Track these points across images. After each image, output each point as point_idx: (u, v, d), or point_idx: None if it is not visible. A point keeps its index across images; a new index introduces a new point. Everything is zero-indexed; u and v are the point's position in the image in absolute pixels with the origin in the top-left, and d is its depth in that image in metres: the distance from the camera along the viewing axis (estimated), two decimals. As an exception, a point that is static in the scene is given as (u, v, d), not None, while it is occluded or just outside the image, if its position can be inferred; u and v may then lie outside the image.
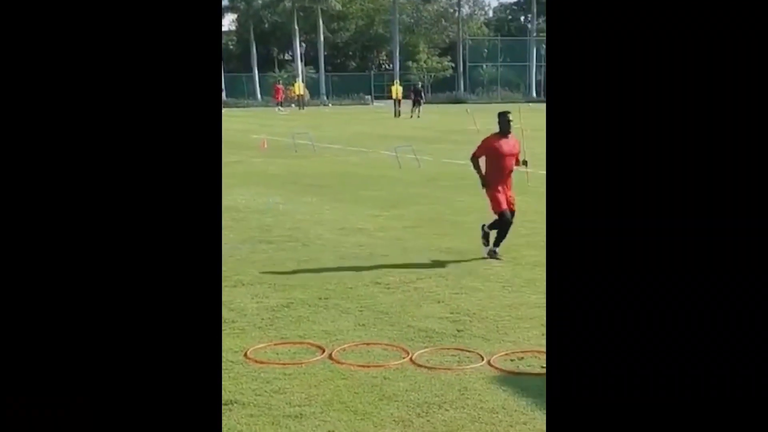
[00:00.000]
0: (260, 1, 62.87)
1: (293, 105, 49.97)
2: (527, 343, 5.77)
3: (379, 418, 4.51)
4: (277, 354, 5.65)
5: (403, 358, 5.48)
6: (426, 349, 5.64)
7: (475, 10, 76.49)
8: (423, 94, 41.81)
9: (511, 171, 8.69)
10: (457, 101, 55.19)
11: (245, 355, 5.58)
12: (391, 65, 67.84)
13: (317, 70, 64.01)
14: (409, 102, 40.14)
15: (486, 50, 69.25)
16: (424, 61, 66.77)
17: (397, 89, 41.79)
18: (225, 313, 6.53)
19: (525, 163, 8.96)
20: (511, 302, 6.82)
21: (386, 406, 4.68)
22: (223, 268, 8.20)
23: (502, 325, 6.19)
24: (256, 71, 62.53)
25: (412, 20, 70.35)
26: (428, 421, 4.47)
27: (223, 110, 42.99)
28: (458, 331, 6.09)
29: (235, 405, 4.70)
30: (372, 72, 67.57)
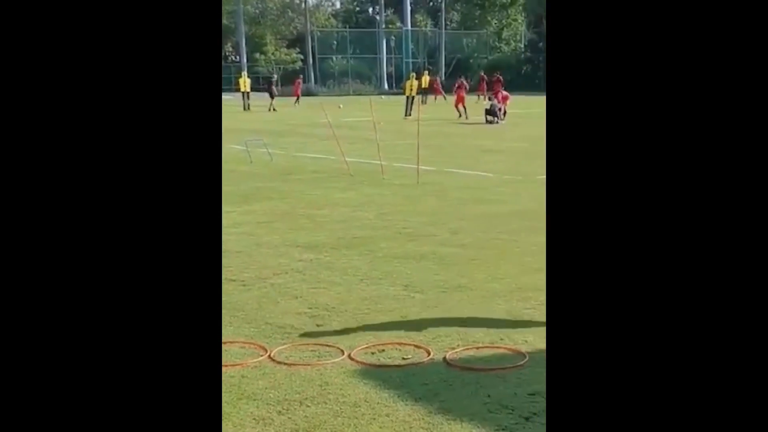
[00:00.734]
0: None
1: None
2: (387, 335, 5.81)
3: (239, 418, 4.43)
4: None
5: (261, 355, 5.40)
6: (285, 346, 5.58)
7: (322, 2, 76.57)
8: (274, 89, 41.53)
9: None
10: (308, 94, 55.11)
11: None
12: (237, 57, 66.93)
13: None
14: (258, 94, 39.78)
15: (335, 42, 69.48)
16: (272, 53, 66.26)
17: (245, 82, 41.27)
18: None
19: None
20: (370, 295, 6.85)
21: (245, 405, 4.60)
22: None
23: (361, 318, 6.21)
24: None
25: (258, 11, 69.65)
26: (289, 418, 4.42)
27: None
28: (317, 326, 6.06)
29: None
30: (219, 64, 66.47)
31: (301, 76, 52.40)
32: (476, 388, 4.80)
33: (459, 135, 23.83)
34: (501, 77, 36.16)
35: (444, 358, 5.28)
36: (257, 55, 65.60)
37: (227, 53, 71.48)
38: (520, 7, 67.72)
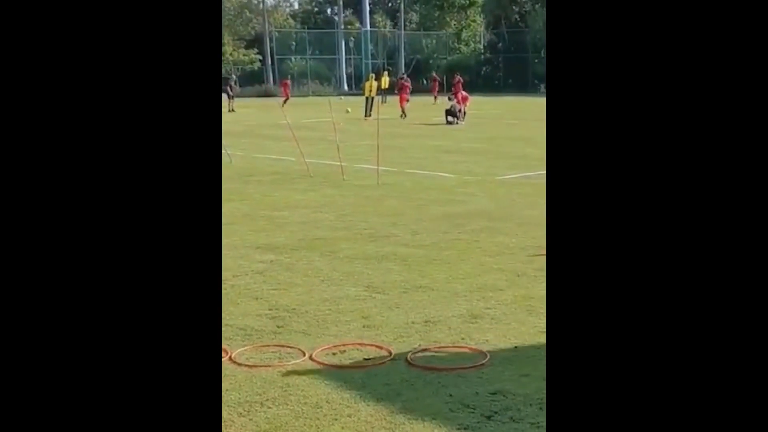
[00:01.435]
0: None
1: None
2: (348, 336, 5.81)
3: (201, 422, 4.39)
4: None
5: (222, 357, 5.37)
6: (245, 347, 5.55)
7: (280, 2, 76.27)
8: (234, 88, 41.19)
9: None
10: (267, 95, 54.85)
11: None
12: (196, 58, 66.21)
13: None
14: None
15: (294, 43, 69.24)
16: (230, 54, 65.87)
17: None
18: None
19: None
20: (331, 296, 6.84)
21: (207, 408, 4.57)
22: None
23: (322, 320, 6.20)
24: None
25: (217, 11, 69.27)
26: (251, 420, 4.41)
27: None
28: (278, 327, 6.04)
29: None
30: (177, 65, 65.87)
31: (289, 76, 51.82)
32: (438, 387, 4.82)
33: (419, 136, 23.90)
34: (460, 78, 36.28)
35: (406, 359, 5.30)
36: (215, 55, 65.17)
37: (185, 54, 70.82)
38: (479, 9, 68.10)
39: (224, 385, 4.87)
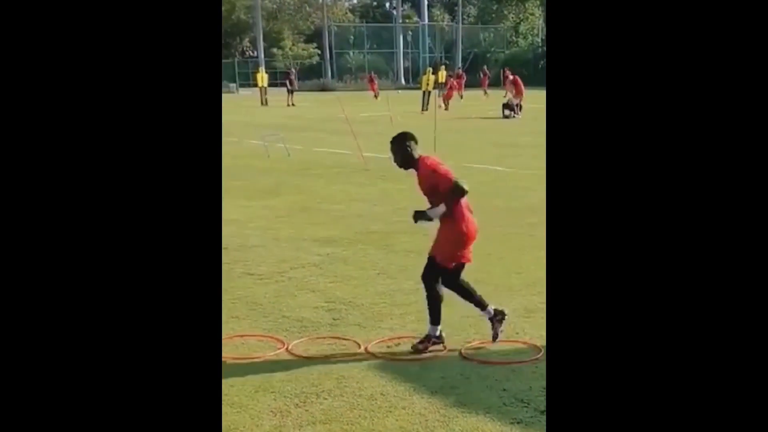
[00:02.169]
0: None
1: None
2: (403, 329, 5.84)
3: (256, 410, 4.47)
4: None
5: (279, 348, 5.45)
6: (302, 339, 5.62)
7: (339, -3, 76.59)
8: (294, 82, 41.38)
9: None
10: (325, 89, 55.09)
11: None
12: (255, 52, 67.08)
13: (181, 58, 62.49)
14: (275, 89, 39.80)
15: (353, 37, 69.40)
16: (290, 48, 66.31)
17: (262, 77, 41.31)
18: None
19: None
20: (386, 289, 6.88)
21: (263, 397, 4.65)
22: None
23: (377, 312, 6.24)
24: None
25: (275, 6, 69.73)
26: (306, 410, 4.46)
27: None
28: (334, 319, 6.10)
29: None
30: (236, 59, 66.59)
31: (373, 71, 51.76)
32: (492, 381, 4.83)
33: (476, 130, 23.79)
34: (509, 73, 36.06)
35: (460, 352, 5.31)
36: (275, 50, 65.64)
37: (245, 48, 71.64)
38: (537, 1, 67.39)
39: (281, 376, 4.94)
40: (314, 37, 67.96)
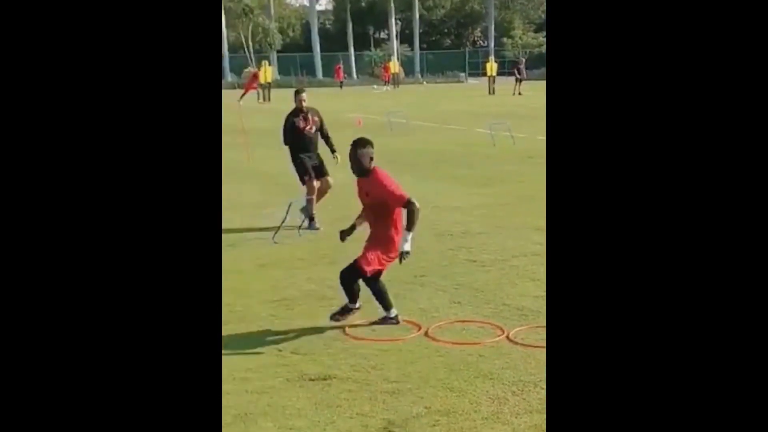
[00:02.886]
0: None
1: (387, 85, 49.96)
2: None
3: (475, 396, 4.52)
4: (374, 331, 5.72)
5: (499, 336, 5.47)
6: (522, 327, 5.61)
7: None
8: (522, 71, 41.05)
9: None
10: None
11: (344, 331, 5.67)
12: (485, 42, 67.21)
13: (412, 48, 63.94)
14: (503, 78, 39.67)
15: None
16: (520, 37, 65.84)
17: (491, 66, 41.36)
18: (323, 291, 6.64)
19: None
20: (609, 281, 6.70)
21: (482, 383, 4.69)
22: (323, 245, 8.32)
23: (599, 304, 6.09)
24: (353, 50, 62.91)
25: (509, -4, 69.64)
26: (524, 399, 4.46)
27: (318, 89, 43.32)
28: (555, 309, 6.03)
29: (333, 380, 4.79)
30: (467, 49, 67.08)
31: None
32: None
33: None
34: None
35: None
36: (504, 39, 65.49)
37: (476, 38, 72.01)
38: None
39: (499, 363, 4.97)
40: (544, 26, 67.03)
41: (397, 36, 62.63)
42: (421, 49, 64.66)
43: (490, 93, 39.09)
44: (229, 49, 60.22)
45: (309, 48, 63.31)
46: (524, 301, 6.23)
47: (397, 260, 5.69)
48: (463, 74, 59.49)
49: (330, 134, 9.69)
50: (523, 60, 43.75)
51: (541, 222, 9.11)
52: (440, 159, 15.47)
